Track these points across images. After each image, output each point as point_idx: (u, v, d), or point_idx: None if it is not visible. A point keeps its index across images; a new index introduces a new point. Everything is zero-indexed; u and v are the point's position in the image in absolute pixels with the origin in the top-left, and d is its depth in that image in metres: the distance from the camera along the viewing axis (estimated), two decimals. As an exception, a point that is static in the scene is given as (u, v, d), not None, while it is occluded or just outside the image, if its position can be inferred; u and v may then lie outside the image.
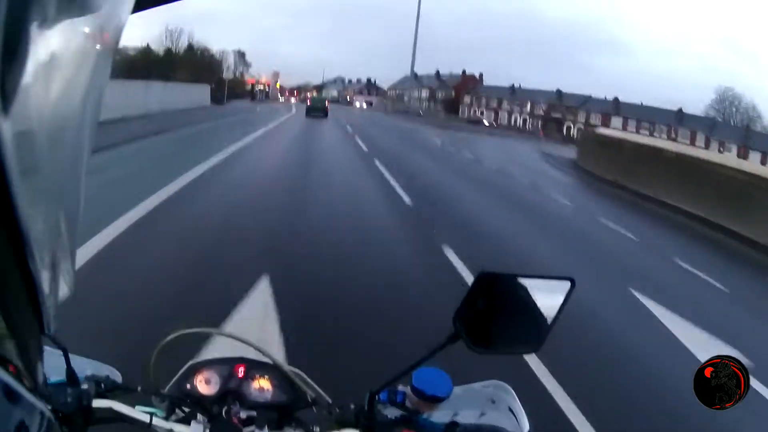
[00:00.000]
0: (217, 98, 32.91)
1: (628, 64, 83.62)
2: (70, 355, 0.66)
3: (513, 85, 62.62)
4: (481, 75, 68.87)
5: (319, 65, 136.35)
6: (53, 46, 0.34)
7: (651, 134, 45.43)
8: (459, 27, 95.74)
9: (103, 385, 0.69)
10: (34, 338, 0.42)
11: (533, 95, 59.37)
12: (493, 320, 0.68)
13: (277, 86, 64.40)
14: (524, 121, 60.01)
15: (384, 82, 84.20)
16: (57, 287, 0.41)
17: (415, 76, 70.93)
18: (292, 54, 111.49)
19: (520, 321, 0.70)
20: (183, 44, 46.09)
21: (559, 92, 57.95)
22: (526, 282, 0.68)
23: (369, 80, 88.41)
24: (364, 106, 59.92)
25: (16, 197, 0.30)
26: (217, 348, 0.82)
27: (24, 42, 0.29)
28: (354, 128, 23.05)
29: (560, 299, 0.69)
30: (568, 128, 54.81)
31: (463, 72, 69.44)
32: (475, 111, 64.65)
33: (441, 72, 71.91)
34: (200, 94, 29.34)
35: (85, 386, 0.67)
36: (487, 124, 54.45)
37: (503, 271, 0.68)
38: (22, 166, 0.30)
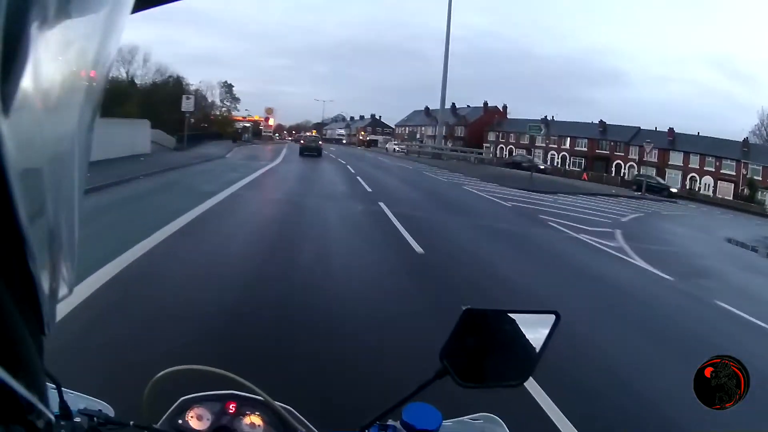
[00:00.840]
0: (187, 139, 24.23)
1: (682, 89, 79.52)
2: (63, 390, 0.66)
3: (546, 117, 50.53)
4: (505, 107, 59.12)
5: (318, 104, 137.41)
6: (53, 46, 0.34)
7: (718, 171, 39.68)
8: (463, 64, 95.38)
9: (95, 420, 0.69)
10: (34, 339, 0.41)
11: (571, 128, 49.71)
12: (479, 355, 0.70)
13: (271, 124, 56.17)
14: (563, 159, 49.57)
15: (390, 119, 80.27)
16: (57, 287, 0.41)
17: (426, 111, 64.17)
18: (290, 93, 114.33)
19: (506, 355, 0.72)
20: (147, 69, 35.84)
21: (602, 124, 48.87)
22: (511, 316, 0.70)
23: (374, 117, 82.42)
24: (395, 148, 47.97)
25: (15, 197, 0.30)
26: (208, 384, 0.84)
27: (24, 42, 0.30)
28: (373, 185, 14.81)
29: (545, 332, 0.71)
30: (617, 167, 45.54)
31: (485, 105, 60.38)
32: (502, 149, 54.72)
33: (457, 105, 62.99)
34: (144, 135, 19.97)
35: (77, 420, 0.67)
36: (542, 166, 37.40)
37: (487, 308, 0.70)
38: (22, 166, 0.30)
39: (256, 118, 52.14)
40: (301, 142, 34.45)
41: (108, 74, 0.46)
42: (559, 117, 51.98)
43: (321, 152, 30.01)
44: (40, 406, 0.40)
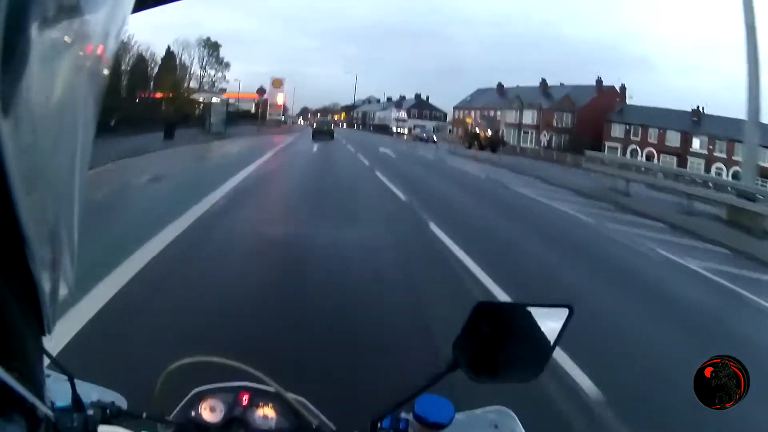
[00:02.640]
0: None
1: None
2: (76, 381, 0.66)
3: (698, 107, 34.18)
4: (623, 88, 40.23)
5: (348, 87, 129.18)
6: (53, 47, 0.34)
7: None
8: (490, 50, 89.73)
9: (108, 411, 0.70)
10: (34, 339, 0.41)
11: (651, 117, 35.24)
12: (491, 348, 0.70)
13: (279, 103, 39.67)
14: (647, 157, 34.26)
15: (440, 100, 61.53)
16: (57, 287, 0.41)
17: (499, 89, 47.16)
18: (316, 76, 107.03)
19: (518, 349, 0.71)
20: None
21: (697, 113, 34.60)
22: (523, 310, 0.70)
23: (419, 97, 61.38)
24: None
25: (16, 197, 0.30)
26: (222, 375, 0.82)
27: (24, 42, 0.30)
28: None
29: (558, 326, 0.70)
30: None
31: (599, 82, 41.07)
32: (636, 150, 36.52)
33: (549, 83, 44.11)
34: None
35: (90, 412, 0.67)
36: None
37: (500, 301, 0.70)
38: (22, 166, 0.30)
39: (249, 96, 36.03)
40: (313, 126, 32.92)
41: (108, 74, 0.46)
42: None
43: (333, 135, 27.92)
44: (40, 405, 0.41)
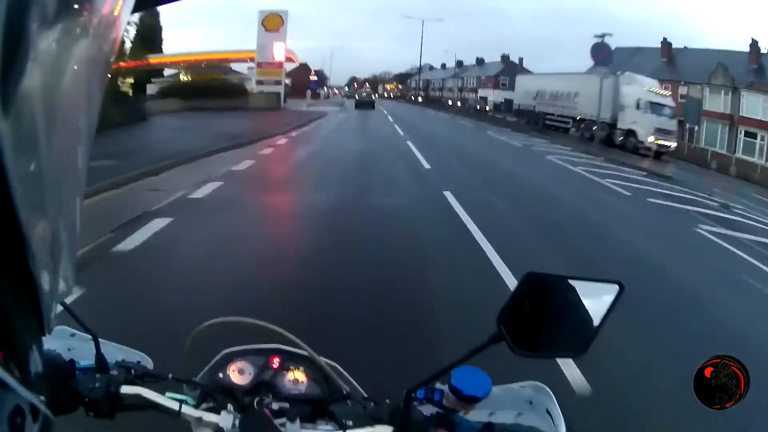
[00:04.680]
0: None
1: None
2: (101, 341, 0.66)
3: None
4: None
5: (398, 55, 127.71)
6: (53, 46, 0.34)
7: None
8: (538, 22, 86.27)
9: (133, 372, 0.69)
10: (34, 339, 0.41)
11: None
12: (537, 322, 0.66)
13: (278, 63, 25.54)
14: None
15: (534, 63, 48.68)
16: (57, 287, 0.41)
17: (667, 50, 28.75)
18: (367, 49, 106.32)
19: (565, 324, 0.68)
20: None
21: None
22: (573, 284, 0.67)
23: (507, 59, 44.75)
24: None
25: (16, 197, 0.30)
26: (252, 337, 0.79)
27: (24, 42, 0.30)
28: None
29: (608, 302, 0.67)
30: None
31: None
32: None
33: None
34: None
35: (114, 372, 0.67)
36: None
37: (550, 272, 0.66)
38: (22, 166, 0.30)
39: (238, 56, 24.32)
40: (356, 97, 38.02)
41: (108, 74, 0.46)
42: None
43: (374, 105, 33.23)
44: (40, 405, 0.41)
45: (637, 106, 19.78)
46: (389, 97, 65.01)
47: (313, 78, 41.86)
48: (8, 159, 0.28)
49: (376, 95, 50.41)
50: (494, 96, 41.35)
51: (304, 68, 43.69)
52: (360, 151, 12.55)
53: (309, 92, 35.56)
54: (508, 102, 33.25)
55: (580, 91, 22.55)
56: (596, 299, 0.67)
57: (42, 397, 0.43)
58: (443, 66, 58.15)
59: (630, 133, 19.91)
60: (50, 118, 0.36)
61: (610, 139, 20.28)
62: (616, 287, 0.68)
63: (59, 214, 0.40)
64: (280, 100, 26.07)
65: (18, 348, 0.38)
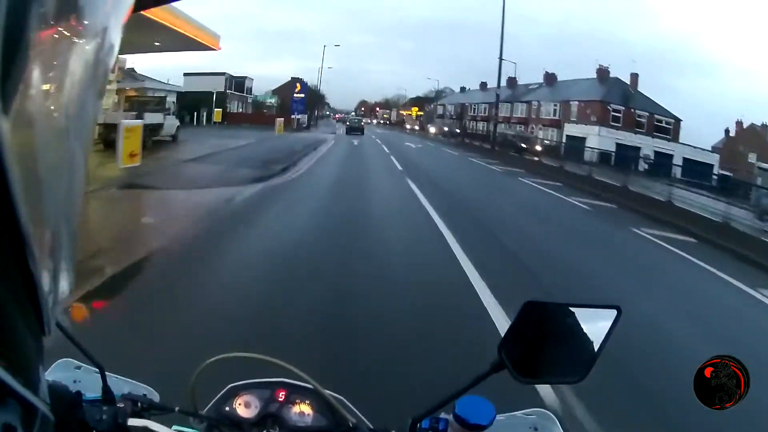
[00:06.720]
0: None
1: None
2: (107, 374, 0.66)
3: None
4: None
5: (408, 78, 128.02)
6: (53, 47, 0.34)
7: None
8: (545, 46, 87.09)
9: (140, 404, 0.68)
10: (34, 339, 0.41)
11: None
12: (538, 349, 0.67)
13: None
14: None
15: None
16: (57, 287, 0.41)
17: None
18: (375, 71, 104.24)
19: (565, 350, 0.69)
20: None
21: None
22: (572, 310, 0.68)
23: (550, 76, 35.01)
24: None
25: (15, 197, 0.30)
26: (257, 372, 0.80)
27: (24, 42, 0.30)
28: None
29: (606, 327, 0.68)
30: None
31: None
32: None
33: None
34: None
35: (120, 405, 0.66)
36: None
37: (549, 300, 0.67)
38: (23, 166, 0.30)
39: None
40: (346, 123, 39.68)
41: (109, 74, 0.46)
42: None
43: (363, 131, 34.63)
44: (40, 405, 0.41)
45: None
46: (412, 130, 48.56)
47: (299, 95, 30.91)
48: (8, 159, 0.28)
49: (389, 122, 56.94)
50: (648, 147, 21.86)
51: (295, 84, 34.66)
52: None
53: (280, 121, 23.62)
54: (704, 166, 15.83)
55: None
56: (594, 324, 0.68)
57: (42, 399, 0.43)
58: (483, 86, 42.04)
59: None
60: (50, 118, 0.35)
61: None
62: (614, 312, 0.69)
63: (59, 214, 0.40)
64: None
65: (18, 348, 0.38)
